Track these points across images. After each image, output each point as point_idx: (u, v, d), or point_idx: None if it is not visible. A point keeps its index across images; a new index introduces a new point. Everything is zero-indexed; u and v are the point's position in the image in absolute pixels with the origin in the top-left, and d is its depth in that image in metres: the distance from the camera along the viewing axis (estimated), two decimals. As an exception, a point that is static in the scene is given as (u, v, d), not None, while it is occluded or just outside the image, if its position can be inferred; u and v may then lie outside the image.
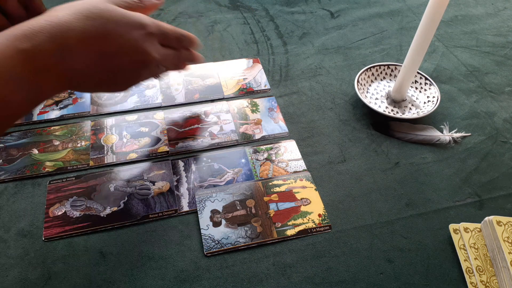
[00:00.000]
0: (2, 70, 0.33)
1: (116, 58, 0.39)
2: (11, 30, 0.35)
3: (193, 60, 0.52)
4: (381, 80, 0.67)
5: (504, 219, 0.47)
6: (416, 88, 0.66)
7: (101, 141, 0.56)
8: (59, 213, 0.48)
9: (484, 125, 0.62)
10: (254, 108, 0.62)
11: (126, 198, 0.50)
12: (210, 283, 0.44)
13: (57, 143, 0.56)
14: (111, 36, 0.38)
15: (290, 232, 0.48)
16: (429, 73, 0.70)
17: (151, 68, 0.44)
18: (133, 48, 0.40)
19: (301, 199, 0.51)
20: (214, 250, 0.46)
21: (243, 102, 0.63)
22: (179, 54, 0.48)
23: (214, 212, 0.49)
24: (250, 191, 0.52)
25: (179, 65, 0.50)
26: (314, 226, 0.49)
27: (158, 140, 0.57)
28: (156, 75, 0.47)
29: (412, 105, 0.63)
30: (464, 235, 0.48)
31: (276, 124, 0.60)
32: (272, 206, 0.50)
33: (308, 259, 0.46)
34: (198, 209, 0.49)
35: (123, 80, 0.42)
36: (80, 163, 0.53)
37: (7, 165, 0.52)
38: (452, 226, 0.49)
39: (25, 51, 0.34)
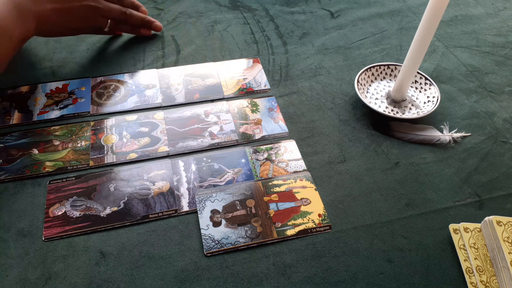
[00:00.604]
0: (7, 15, 0.53)
1: (71, 2, 0.58)
2: None
3: (148, 23, 0.69)
4: (381, 80, 0.67)
5: (504, 219, 0.47)
6: (416, 88, 0.66)
7: (101, 141, 0.56)
8: (59, 213, 0.48)
9: (484, 125, 0.62)
10: (254, 108, 0.62)
11: (126, 198, 0.50)
12: (210, 283, 0.44)
13: (57, 143, 0.56)
14: None
15: (290, 232, 0.48)
16: (429, 73, 0.70)
17: (97, 17, 0.63)
18: None
19: (301, 199, 0.51)
20: (214, 250, 0.46)
21: (243, 102, 0.63)
22: (127, 12, 0.66)
23: (214, 212, 0.49)
24: (250, 191, 0.52)
25: (134, 29, 0.70)
26: (314, 226, 0.49)
27: (158, 140, 0.57)
28: (104, 26, 0.64)
29: (412, 105, 0.63)
30: (464, 235, 0.48)
31: (276, 124, 0.60)
32: (272, 206, 0.50)
33: (308, 259, 0.46)
34: (198, 209, 0.49)
35: (76, 23, 0.61)
36: (80, 163, 0.53)
37: (7, 165, 0.52)
38: (452, 226, 0.49)
39: (14, 2, 0.54)
